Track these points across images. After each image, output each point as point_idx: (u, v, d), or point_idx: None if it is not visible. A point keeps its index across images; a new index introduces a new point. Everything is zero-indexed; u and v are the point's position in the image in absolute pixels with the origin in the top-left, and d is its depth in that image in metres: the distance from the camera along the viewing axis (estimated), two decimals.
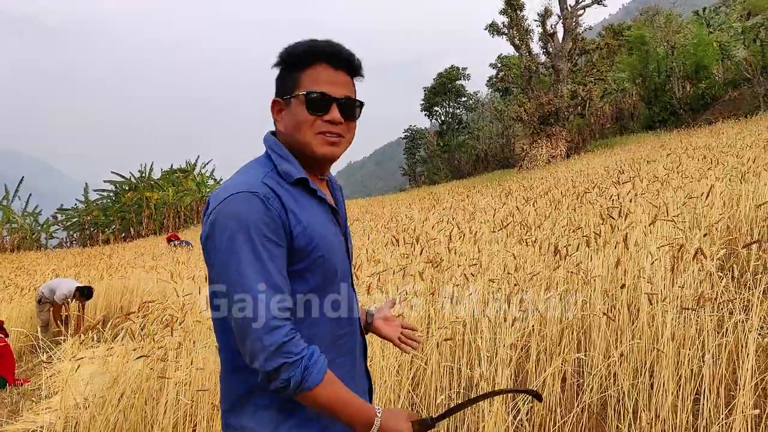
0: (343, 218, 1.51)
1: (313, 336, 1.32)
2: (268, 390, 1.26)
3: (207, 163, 43.66)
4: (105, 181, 40.28)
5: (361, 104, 1.42)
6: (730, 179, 6.22)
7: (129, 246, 23.75)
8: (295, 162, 1.36)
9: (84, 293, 7.86)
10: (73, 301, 7.90)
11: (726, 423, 2.46)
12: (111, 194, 40.02)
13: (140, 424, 3.33)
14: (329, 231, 1.38)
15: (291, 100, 1.36)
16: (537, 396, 1.57)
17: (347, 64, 1.39)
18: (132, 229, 36.56)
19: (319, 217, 1.36)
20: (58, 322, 7.84)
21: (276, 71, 1.42)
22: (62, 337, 4.41)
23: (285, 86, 1.38)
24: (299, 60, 1.37)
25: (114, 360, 3.69)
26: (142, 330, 3.87)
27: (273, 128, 1.44)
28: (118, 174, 40.57)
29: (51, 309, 8.11)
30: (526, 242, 4.54)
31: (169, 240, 18.92)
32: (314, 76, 1.35)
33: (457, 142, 42.01)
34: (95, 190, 40.16)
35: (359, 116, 1.43)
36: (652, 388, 2.81)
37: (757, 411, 2.43)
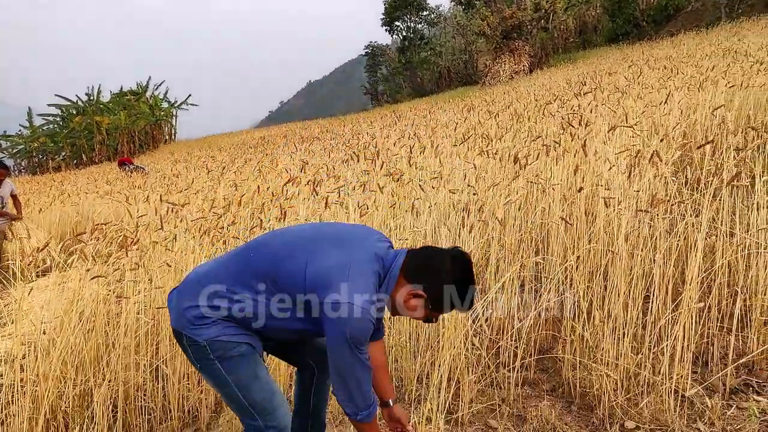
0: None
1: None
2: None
3: (159, 85, 41.79)
4: (49, 105, 38.29)
5: None
6: (688, 88, 6.26)
7: (81, 173, 22.93)
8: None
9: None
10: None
11: (672, 317, 2.57)
12: (58, 119, 38.19)
13: (102, 347, 3.29)
14: None
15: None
16: None
17: None
18: (84, 156, 35.26)
19: None
20: None
21: None
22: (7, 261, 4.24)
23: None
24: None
25: (69, 284, 3.60)
26: (96, 253, 3.76)
27: None
28: (62, 97, 38.55)
29: None
30: (487, 154, 4.52)
31: (121, 164, 18.16)
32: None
33: (419, 58, 41.07)
34: (40, 115, 38.24)
35: None
36: (606, 290, 2.90)
37: (702, 304, 2.54)
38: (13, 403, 2.95)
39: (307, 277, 1.74)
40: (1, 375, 3.40)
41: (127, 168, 17.01)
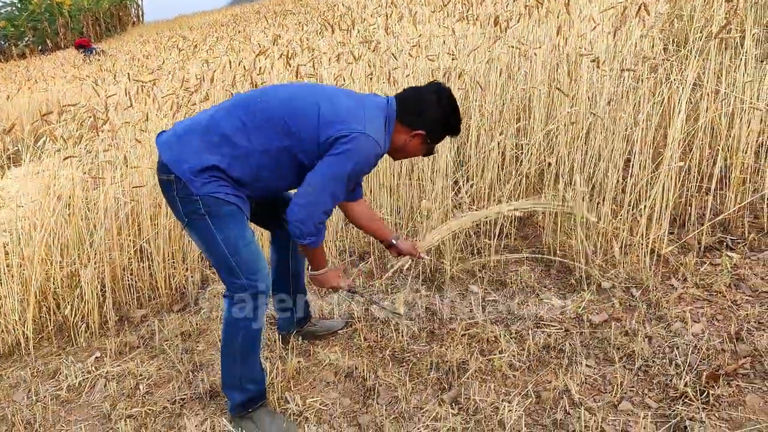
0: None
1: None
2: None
3: None
4: None
5: None
6: None
7: (48, 59, 21.82)
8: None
9: None
10: None
11: (653, 176, 2.57)
12: (15, 1, 35.72)
13: (83, 229, 3.27)
14: None
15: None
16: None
17: None
18: (48, 41, 33.38)
19: None
20: None
21: None
22: None
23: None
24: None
25: (44, 172, 3.50)
26: (67, 135, 3.63)
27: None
28: None
29: None
30: (467, 19, 4.29)
31: (79, 46, 16.88)
32: None
33: None
34: None
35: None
36: (587, 155, 2.88)
37: (682, 163, 2.53)
38: (1, 285, 2.97)
39: (321, 113, 1.84)
40: None
41: (91, 52, 16.04)
